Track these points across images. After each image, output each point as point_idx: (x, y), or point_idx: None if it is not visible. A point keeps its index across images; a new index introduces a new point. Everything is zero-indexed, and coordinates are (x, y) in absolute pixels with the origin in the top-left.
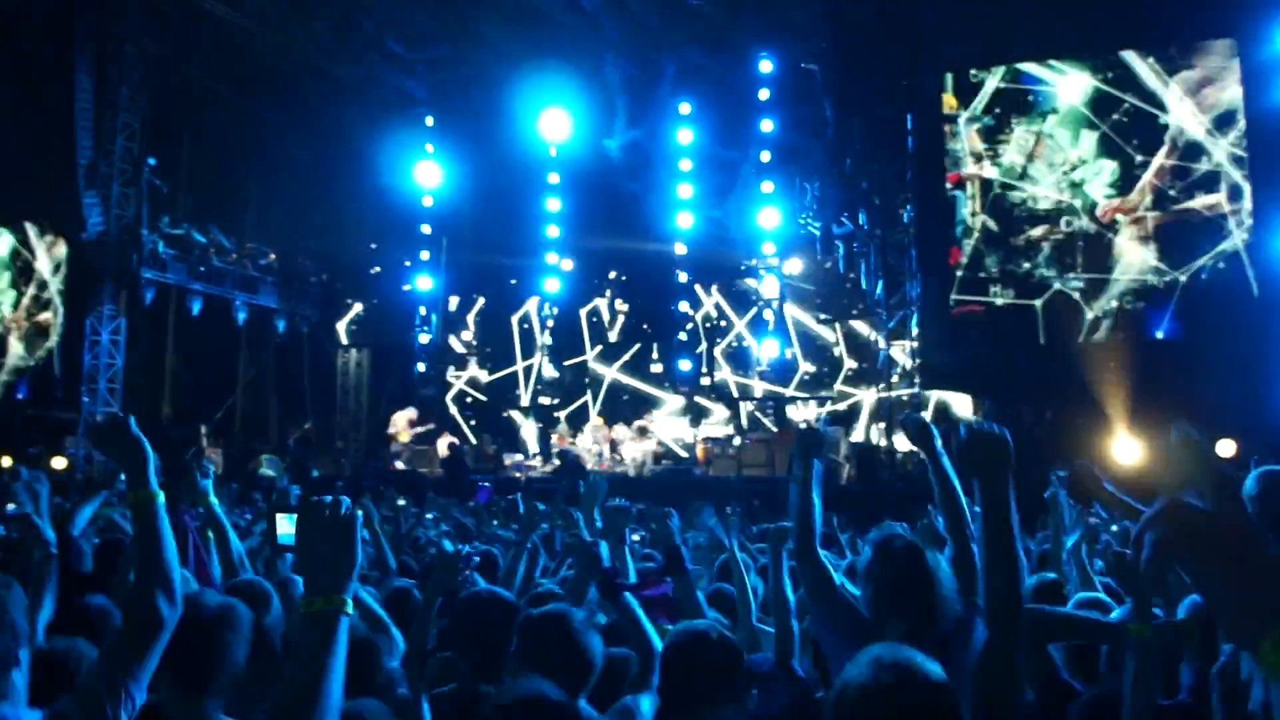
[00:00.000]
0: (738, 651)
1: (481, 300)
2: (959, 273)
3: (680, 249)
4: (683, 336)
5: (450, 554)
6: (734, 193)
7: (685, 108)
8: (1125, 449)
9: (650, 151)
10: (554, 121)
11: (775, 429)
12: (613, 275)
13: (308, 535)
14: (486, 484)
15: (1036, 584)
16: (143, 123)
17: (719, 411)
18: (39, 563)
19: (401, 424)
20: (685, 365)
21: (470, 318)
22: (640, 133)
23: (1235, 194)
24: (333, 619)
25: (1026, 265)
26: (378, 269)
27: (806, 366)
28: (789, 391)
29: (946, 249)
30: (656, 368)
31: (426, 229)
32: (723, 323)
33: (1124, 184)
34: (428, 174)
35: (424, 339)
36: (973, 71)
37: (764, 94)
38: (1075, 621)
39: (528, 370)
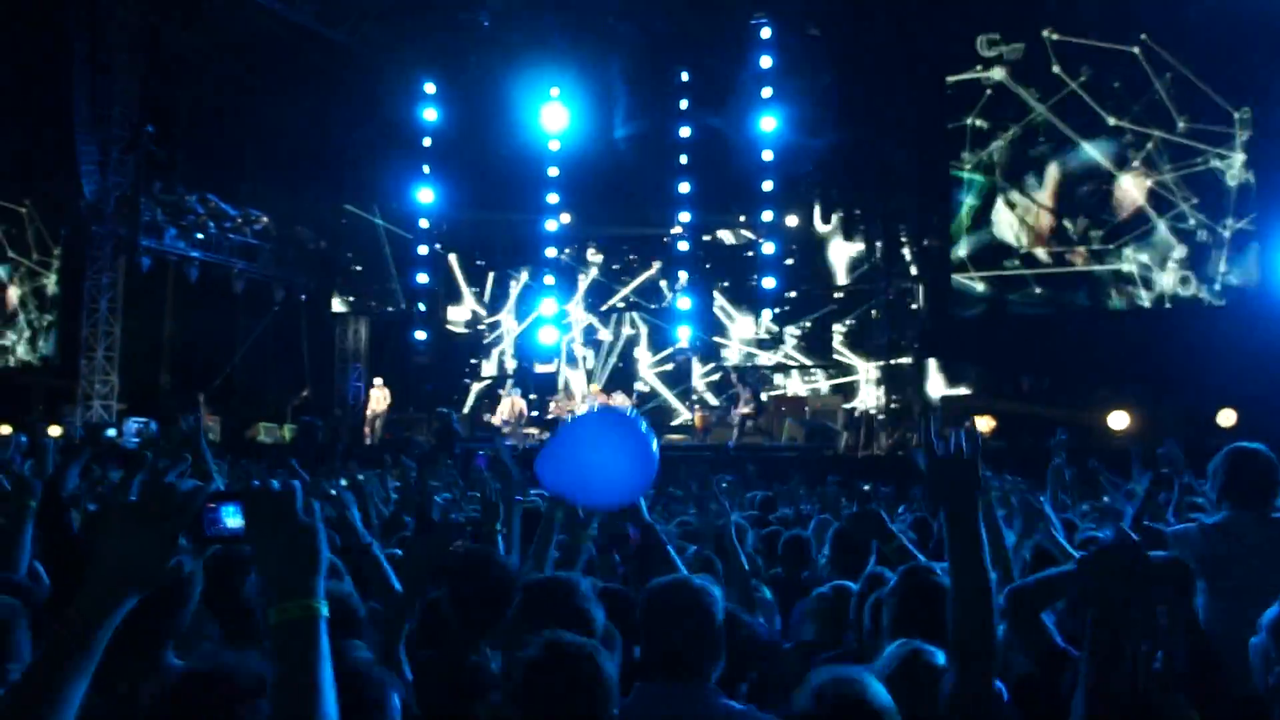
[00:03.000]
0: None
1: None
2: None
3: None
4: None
5: (451, 522)
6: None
7: (685, 75)
8: (1121, 419)
9: (651, 119)
10: (554, 90)
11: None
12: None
13: (263, 530)
14: (483, 453)
15: (1034, 550)
16: (140, 89)
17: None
18: (15, 513)
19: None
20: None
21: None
22: (640, 100)
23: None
24: (312, 626)
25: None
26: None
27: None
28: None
29: (947, 217)
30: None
31: (428, 195)
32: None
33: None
34: (427, 141)
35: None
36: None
37: (765, 61)
38: (1052, 581)
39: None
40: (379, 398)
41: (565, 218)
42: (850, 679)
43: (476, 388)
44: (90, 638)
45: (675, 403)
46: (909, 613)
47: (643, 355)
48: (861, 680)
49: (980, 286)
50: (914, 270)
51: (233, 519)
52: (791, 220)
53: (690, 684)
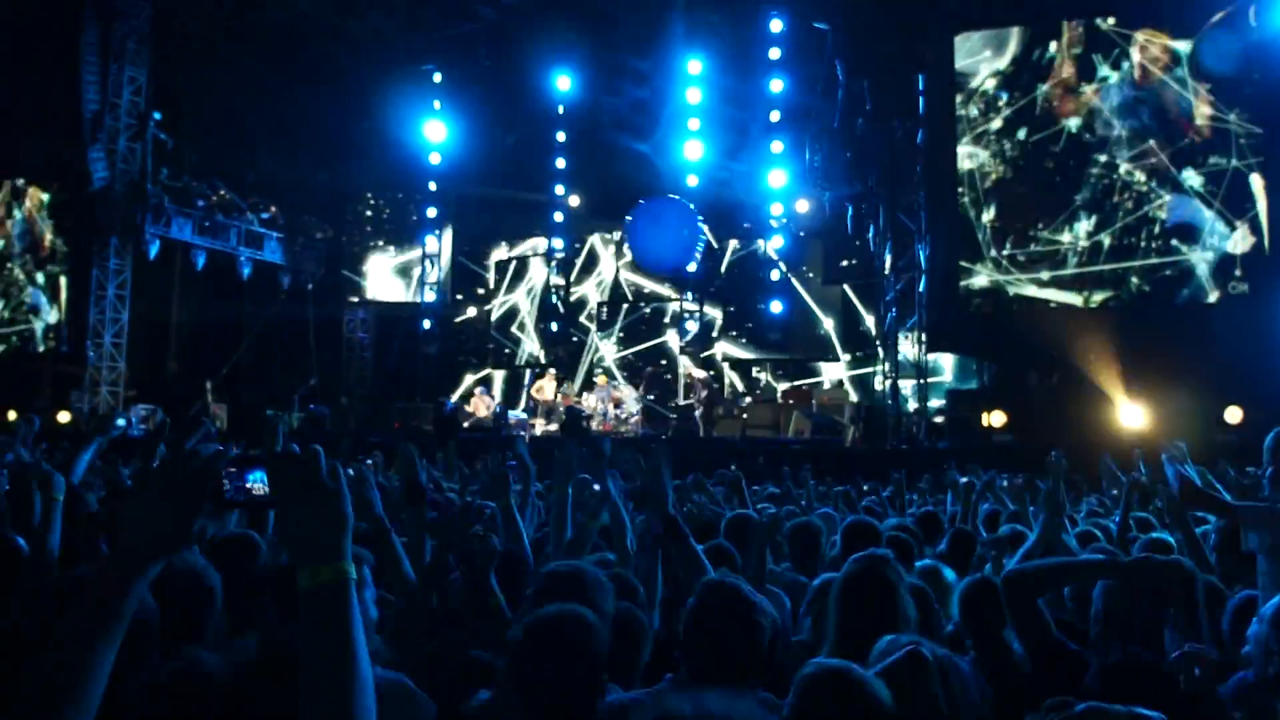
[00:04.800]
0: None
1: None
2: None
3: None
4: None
5: (464, 509)
6: (743, 152)
7: (695, 66)
8: (1130, 415)
9: (659, 110)
10: (563, 79)
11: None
12: (619, 236)
13: (289, 494)
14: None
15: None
16: (149, 77)
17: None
18: (44, 507)
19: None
20: (692, 326)
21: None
22: (648, 92)
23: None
24: (343, 589)
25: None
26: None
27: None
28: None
29: (955, 212)
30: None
31: (433, 186)
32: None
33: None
34: (435, 131)
35: (429, 296)
36: None
37: (774, 53)
38: (1055, 568)
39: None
40: (550, 388)
41: (574, 200)
42: (841, 669)
43: (469, 378)
44: (118, 604)
45: (627, 391)
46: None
47: (606, 348)
48: (852, 671)
49: (988, 280)
50: (922, 263)
51: (256, 484)
52: (802, 206)
53: (738, 689)
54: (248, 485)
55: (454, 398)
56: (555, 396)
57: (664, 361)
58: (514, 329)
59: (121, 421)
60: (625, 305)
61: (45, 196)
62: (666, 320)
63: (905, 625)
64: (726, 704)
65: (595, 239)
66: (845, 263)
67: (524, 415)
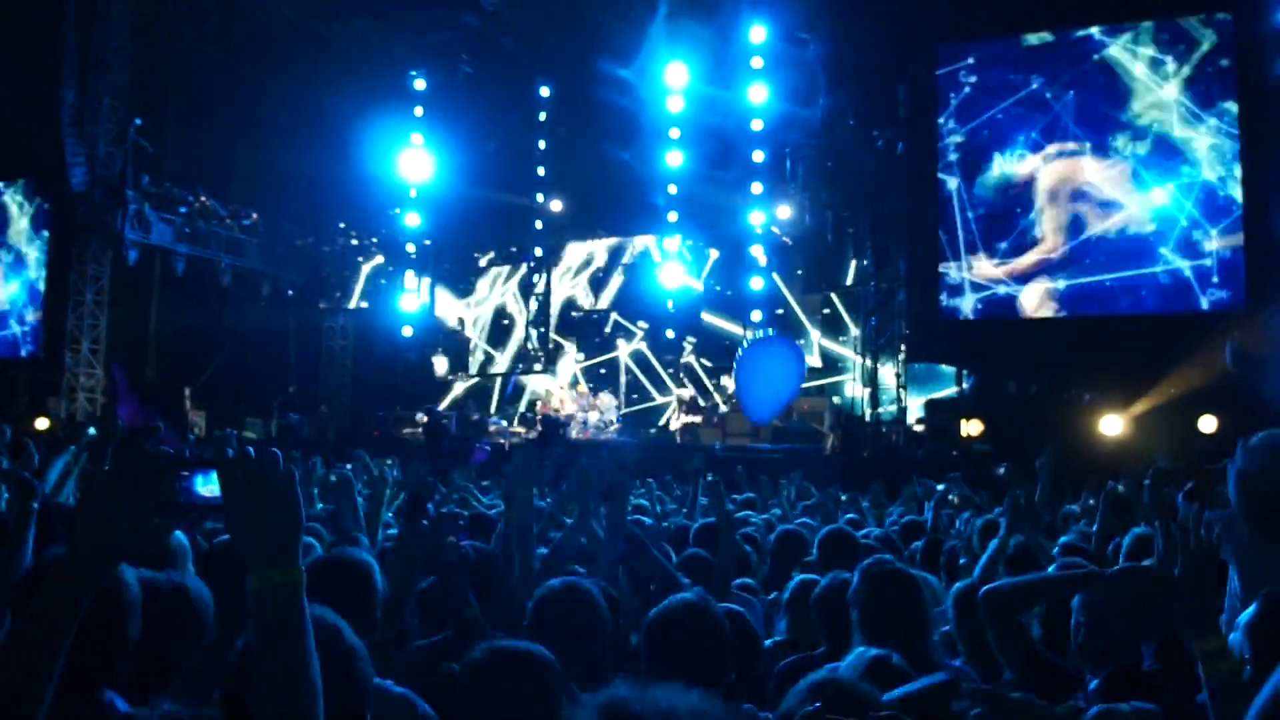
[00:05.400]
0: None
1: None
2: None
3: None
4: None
5: (438, 518)
6: (724, 161)
7: (677, 75)
8: (1107, 424)
9: (640, 118)
10: (544, 86)
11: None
12: (602, 241)
13: (241, 498)
14: (485, 447)
15: (1012, 549)
16: (129, 82)
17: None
18: (17, 516)
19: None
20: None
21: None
22: (630, 99)
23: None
24: (294, 591)
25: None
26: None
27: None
28: None
29: (935, 222)
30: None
31: (414, 192)
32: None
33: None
34: (416, 136)
35: (411, 304)
36: None
37: (757, 62)
38: (1032, 586)
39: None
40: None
41: (555, 207)
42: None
43: (459, 387)
44: (71, 608)
45: (605, 399)
46: (872, 612)
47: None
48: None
49: (968, 290)
50: (902, 272)
51: (207, 487)
52: (784, 212)
53: (694, 685)
54: (200, 490)
55: (442, 405)
56: (568, 404)
57: (603, 370)
58: (492, 336)
59: (93, 430)
60: (577, 313)
61: (24, 201)
62: (608, 329)
63: (933, 626)
64: (674, 695)
65: (575, 246)
66: (826, 272)
67: (504, 423)
